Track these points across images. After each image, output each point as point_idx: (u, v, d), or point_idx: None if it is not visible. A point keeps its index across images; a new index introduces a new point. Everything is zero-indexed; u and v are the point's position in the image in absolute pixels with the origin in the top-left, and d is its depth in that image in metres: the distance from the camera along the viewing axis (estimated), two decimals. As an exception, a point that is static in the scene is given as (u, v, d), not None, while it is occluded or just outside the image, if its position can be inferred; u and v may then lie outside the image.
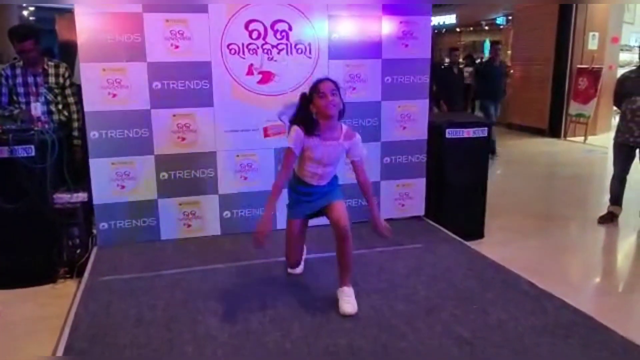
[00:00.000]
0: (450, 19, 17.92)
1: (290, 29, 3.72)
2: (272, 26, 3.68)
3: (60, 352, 2.39)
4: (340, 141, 2.79)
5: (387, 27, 3.93)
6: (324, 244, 3.16)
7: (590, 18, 9.18)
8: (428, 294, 2.96)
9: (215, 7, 3.57)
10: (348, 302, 2.73)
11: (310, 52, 3.79)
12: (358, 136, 2.84)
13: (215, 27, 3.60)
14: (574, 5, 9.06)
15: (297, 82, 3.77)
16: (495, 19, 16.55)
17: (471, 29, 19.62)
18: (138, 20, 3.46)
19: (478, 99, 8.01)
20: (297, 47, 3.76)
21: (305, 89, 3.63)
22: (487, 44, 19.20)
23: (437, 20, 17.86)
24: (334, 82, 2.75)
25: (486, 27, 18.30)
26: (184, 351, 2.41)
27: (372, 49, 3.92)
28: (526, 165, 7.14)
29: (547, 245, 4.22)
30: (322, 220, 2.91)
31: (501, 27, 17.31)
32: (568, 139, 9.41)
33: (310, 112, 2.73)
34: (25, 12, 17.14)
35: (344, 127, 2.83)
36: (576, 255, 4.21)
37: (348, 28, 3.86)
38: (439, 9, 16.83)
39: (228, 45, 3.64)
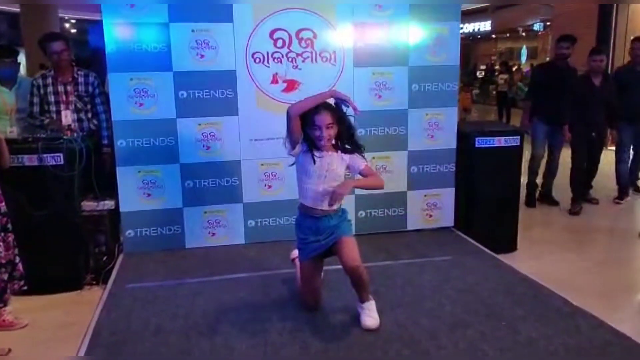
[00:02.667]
0: (484, 25, 17.66)
1: (315, 37, 3.69)
2: (296, 34, 3.67)
3: None
4: (339, 153, 2.67)
5: (414, 33, 3.85)
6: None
7: (632, 20, 8.85)
8: (454, 309, 2.85)
9: (240, 16, 3.58)
10: (370, 315, 2.65)
11: (335, 60, 3.75)
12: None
13: (240, 36, 3.61)
14: (614, 7, 8.74)
15: (321, 90, 3.71)
16: (532, 25, 16.20)
17: (507, 35, 19.33)
18: (164, 30, 3.50)
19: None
20: (322, 55, 3.73)
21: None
22: (524, 51, 18.85)
23: (471, 27, 17.66)
24: (333, 111, 2.59)
25: (523, 34, 17.99)
26: (201, 362, 2.38)
27: (398, 56, 3.85)
28: (566, 176, 6.58)
29: (585, 259, 4.03)
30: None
31: (539, 33, 16.95)
32: (610, 148, 9.04)
33: (305, 132, 2.61)
34: (67, 25, 17.83)
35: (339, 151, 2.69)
36: (616, 270, 3.99)
37: (374, 35, 3.80)
38: (473, 16, 16.60)
39: (253, 54, 3.64)
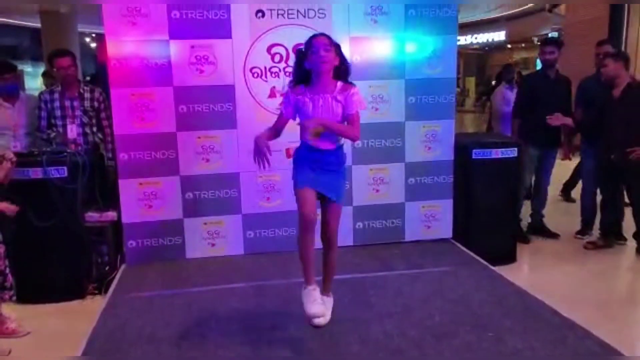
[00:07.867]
0: (499, 35, 17.61)
1: (311, 51, 3.76)
2: (293, 50, 3.74)
3: (71, 367, 2.48)
4: (335, 94, 2.57)
5: (410, 46, 3.91)
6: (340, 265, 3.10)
7: (643, 30, 8.76)
8: (443, 319, 2.87)
9: (239, 32, 3.68)
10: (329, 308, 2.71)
11: (331, 74, 3.81)
12: (355, 89, 2.61)
13: (239, 52, 3.71)
14: (626, 16, 8.68)
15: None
16: (547, 34, 16.10)
17: (522, 45, 19.21)
18: (165, 47, 3.62)
19: None
20: (319, 69, 3.79)
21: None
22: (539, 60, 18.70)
23: (485, 37, 17.64)
24: (329, 38, 2.57)
25: (537, 43, 17.86)
26: (190, 370, 2.45)
27: (395, 69, 3.91)
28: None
29: (584, 271, 4.00)
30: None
31: (554, 42, 16.85)
32: None
33: (305, 70, 2.58)
34: (87, 39, 18.23)
35: (340, 83, 2.60)
36: (614, 282, 3.96)
37: (370, 49, 3.87)
38: (487, 26, 16.58)
39: (251, 69, 3.74)
